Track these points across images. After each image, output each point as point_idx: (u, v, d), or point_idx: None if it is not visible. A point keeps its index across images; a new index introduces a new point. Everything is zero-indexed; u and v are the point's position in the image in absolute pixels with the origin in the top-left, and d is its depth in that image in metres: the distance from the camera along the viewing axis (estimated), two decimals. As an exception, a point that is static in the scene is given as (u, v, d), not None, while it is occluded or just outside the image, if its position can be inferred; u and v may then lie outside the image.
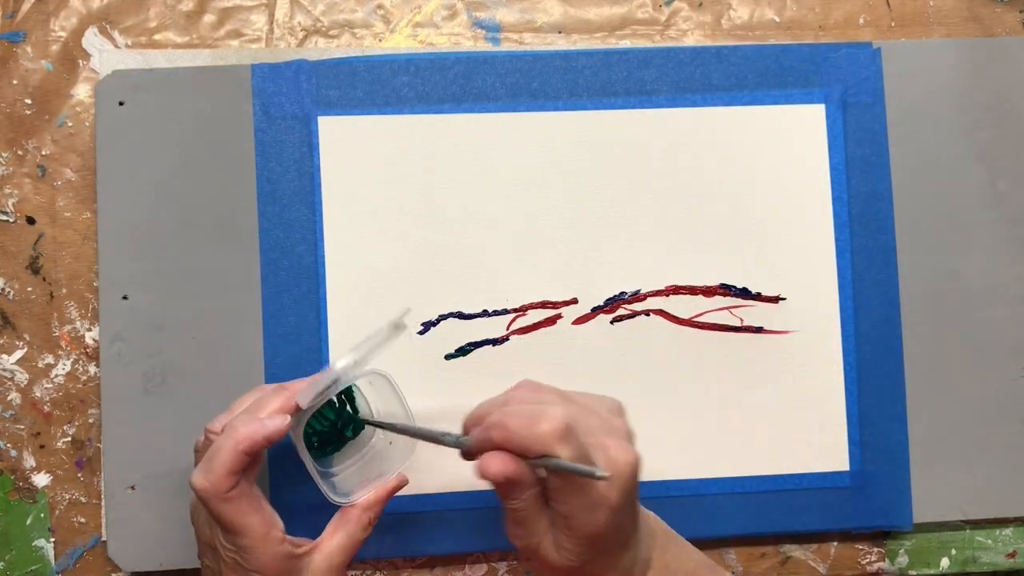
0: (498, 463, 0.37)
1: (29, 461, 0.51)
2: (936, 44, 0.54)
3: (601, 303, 0.51)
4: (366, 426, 0.47)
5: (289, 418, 0.42)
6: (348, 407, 0.47)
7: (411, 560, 0.51)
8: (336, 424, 0.47)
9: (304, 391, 0.42)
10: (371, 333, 0.43)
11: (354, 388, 0.47)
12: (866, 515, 0.52)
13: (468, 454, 0.40)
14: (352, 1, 0.53)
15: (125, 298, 0.50)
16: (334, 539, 0.43)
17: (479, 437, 0.38)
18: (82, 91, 0.52)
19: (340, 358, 0.42)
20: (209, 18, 0.53)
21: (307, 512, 0.46)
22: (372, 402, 0.47)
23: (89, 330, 0.51)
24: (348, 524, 0.44)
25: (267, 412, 0.42)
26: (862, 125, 0.53)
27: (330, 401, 0.46)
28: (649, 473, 0.51)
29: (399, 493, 0.50)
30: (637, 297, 0.52)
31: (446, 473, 0.50)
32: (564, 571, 0.39)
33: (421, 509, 0.50)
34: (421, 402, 0.50)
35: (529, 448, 0.36)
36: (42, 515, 0.50)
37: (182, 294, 0.50)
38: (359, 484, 0.45)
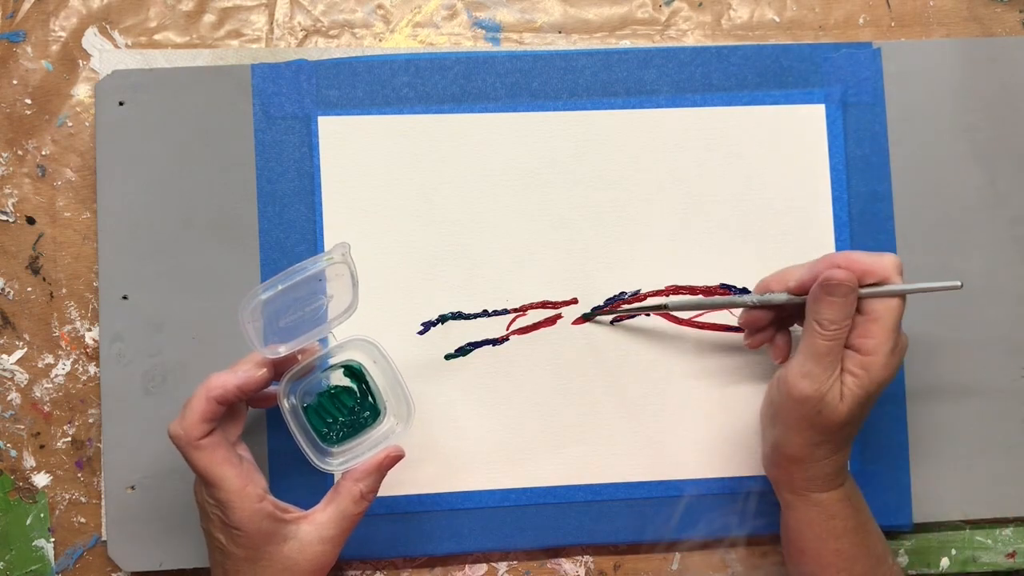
0: (843, 271, 0.43)
1: (29, 461, 0.51)
2: (936, 44, 0.54)
3: (601, 303, 0.51)
4: (381, 410, 0.46)
5: (264, 371, 0.43)
6: (370, 395, 0.46)
7: (411, 560, 0.51)
8: (354, 408, 0.46)
9: (275, 346, 0.43)
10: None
11: (365, 371, 0.46)
12: (866, 515, 0.52)
13: (755, 316, 0.48)
14: (352, 1, 0.53)
15: (125, 298, 0.50)
16: (325, 511, 0.44)
17: (818, 268, 0.44)
18: (82, 91, 0.52)
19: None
20: (209, 18, 0.53)
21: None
22: (376, 379, 0.46)
23: (89, 330, 0.51)
24: (339, 497, 0.44)
25: (243, 365, 0.43)
26: (862, 125, 0.53)
27: (349, 389, 0.46)
28: (649, 473, 0.51)
29: (399, 492, 0.50)
30: (637, 297, 0.52)
31: (446, 473, 0.50)
32: (822, 436, 0.44)
33: (421, 509, 0.50)
34: (421, 401, 0.50)
35: (873, 272, 0.43)
36: (42, 515, 0.50)
37: (182, 294, 0.50)
38: (358, 459, 0.45)
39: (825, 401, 0.43)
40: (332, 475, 0.49)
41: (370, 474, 0.44)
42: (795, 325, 0.49)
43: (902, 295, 0.43)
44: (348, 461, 0.44)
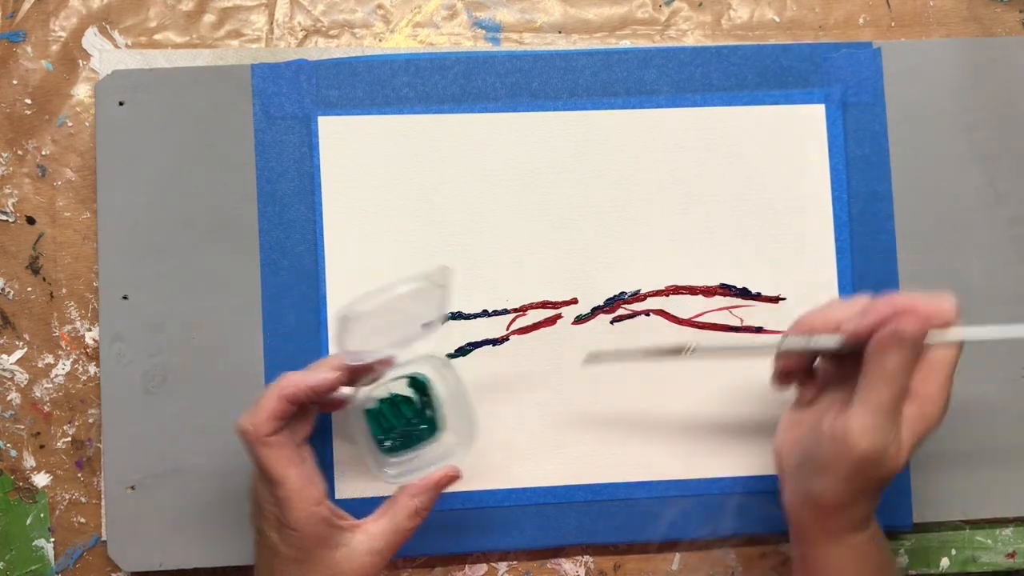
0: (915, 321, 0.40)
1: (29, 461, 0.51)
2: (936, 44, 0.54)
3: (601, 303, 0.51)
4: (439, 426, 0.46)
5: (337, 373, 0.43)
6: (429, 408, 0.46)
7: (411, 560, 0.51)
8: (411, 420, 0.46)
9: (357, 353, 0.43)
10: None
11: (429, 384, 0.46)
12: (866, 515, 0.52)
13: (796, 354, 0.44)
14: (352, 1, 0.53)
15: (125, 298, 0.50)
16: (378, 523, 0.44)
17: (877, 313, 0.41)
18: (82, 91, 0.52)
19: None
20: (209, 18, 0.53)
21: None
22: (441, 395, 0.46)
23: (89, 330, 0.51)
24: (393, 510, 0.44)
25: (319, 368, 0.43)
26: (862, 125, 0.53)
27: (408, 399, 0.46)
28: (650, 473, 0.51)
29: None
30: (637, 297, 0.52)
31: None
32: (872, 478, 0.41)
33: (421, 509, 0.50)
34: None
35: (935, 317, 0.41)
36: (42, 515, 0.50)
37: (182, 294, 0.50)
38: (414, 474, 0.45)
39: (888, 454, 0.40)
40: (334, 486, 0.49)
41: (427, 490, 0.44)
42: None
43: (967, 342, 0.41)
44: (404, 475, 0.44)
